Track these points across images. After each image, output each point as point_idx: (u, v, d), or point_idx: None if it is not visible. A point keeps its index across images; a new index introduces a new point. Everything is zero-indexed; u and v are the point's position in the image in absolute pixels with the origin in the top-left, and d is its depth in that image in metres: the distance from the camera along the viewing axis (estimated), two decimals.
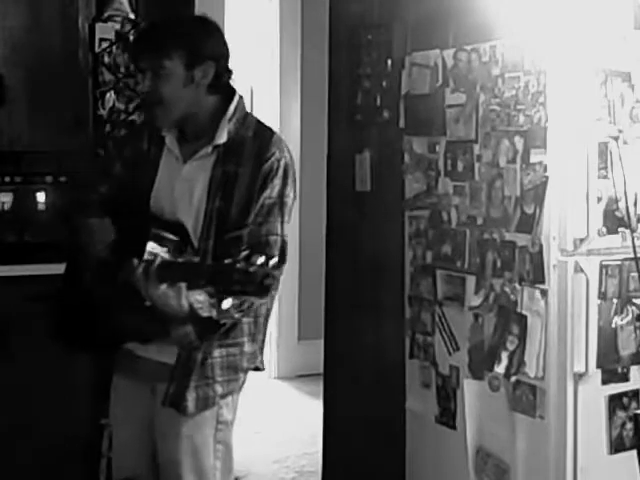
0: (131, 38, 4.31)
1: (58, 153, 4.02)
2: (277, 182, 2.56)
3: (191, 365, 2.59)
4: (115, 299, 2.54)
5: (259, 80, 6.25)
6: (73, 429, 3.87)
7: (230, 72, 2.64)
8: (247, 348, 2.65)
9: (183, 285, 2.41)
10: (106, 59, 4.32)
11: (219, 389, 2.62)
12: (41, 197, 4.05)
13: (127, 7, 4.38)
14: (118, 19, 4.34)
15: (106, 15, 4.32)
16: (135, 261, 2.41)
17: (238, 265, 2.26)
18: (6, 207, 4.05)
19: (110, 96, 4.33)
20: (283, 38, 6.16)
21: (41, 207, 4.06)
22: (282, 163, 2.58)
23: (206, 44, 2.58)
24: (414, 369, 3.45)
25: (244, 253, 2.32)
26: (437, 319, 3.31)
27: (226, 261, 2.30)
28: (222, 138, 2.59)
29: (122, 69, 4.35)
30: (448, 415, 3.29)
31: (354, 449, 3.84)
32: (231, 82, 2.65)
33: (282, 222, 2.56)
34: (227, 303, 2.38)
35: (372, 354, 3.74)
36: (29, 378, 3.74)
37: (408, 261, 3.46)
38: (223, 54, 2.61)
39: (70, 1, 4.12)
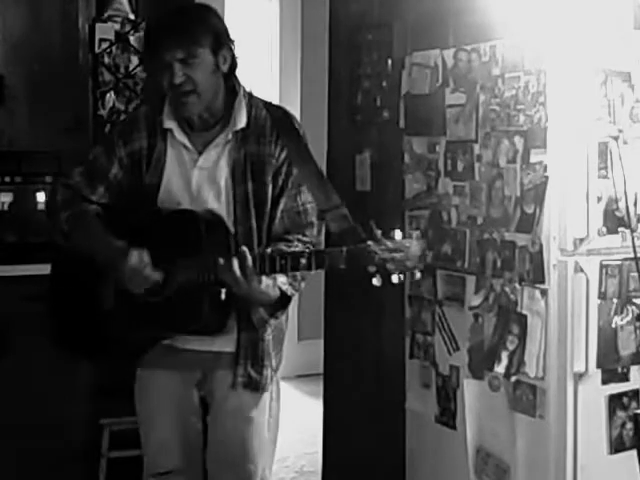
0: (133, 36, 4.32)
1: (58, 153, 4.03)
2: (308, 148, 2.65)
3: (259, 346, 2.65)
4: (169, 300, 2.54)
5: (259, 80, 6.24)
6: (73, 429, 3.88)
7: (237, 58, 2.67)
8: (281, 314, 2.70)
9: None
10: (106, 59, 4.33)
11: (274, 363, 2.73)
12: (41, 197, 4.06)
13: (127, 7, 4.38)
14: (118, 19, 4.35)
15: (106, 15, 4.33)
16: (222, 260, 2.41)
17: (387, 244, 2.27)
18: (6, 207, 4.06)
19: (110, 96, 4.34)
20: (283, 38, 6.16)
21: (41, 207, 4.06)
22: (303, 130, 2.67)
23: (224, 28, 2.61)
24: (414, 369, 3.45)
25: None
26: (437, 319, 3.31)
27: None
28: (242, 122, 2.61)
29: (122, 69, 4.36)
30: (448, 415, 3.29)
31: (354, 449, 3.84)
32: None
33: None
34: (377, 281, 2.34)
35: (372, 354, 3.73)
36: (29, 378, 3.74)
37: None
38: (233, 39, 2.64)
39: (70, 1, 4.13)
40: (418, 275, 2.32)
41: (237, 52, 2.66)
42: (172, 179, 2.63)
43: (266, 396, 2.72)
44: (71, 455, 3.86)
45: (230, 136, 2.61)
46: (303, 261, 2.38)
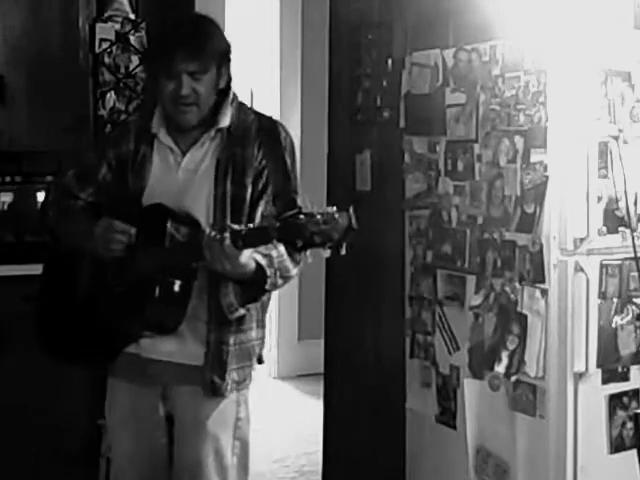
0: (134, 36, 4.32)
1: (58, 153, 4.02)
2: (290, 159, 2.63)
3: (223, 350, 2.59)
4: (134, 293, 2.53)
5: (259, 80, 6.25)
6: (72, 429, 3.87)
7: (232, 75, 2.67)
8: (255, 334, 2.67)
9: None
10: (106, 59, 4.33)
11: (235, 376, 2.63)
12: (41, 197, 4.05)
13: (127, 7, 4.39)
14: (118, 19, 4.35)
15: (106, 15, 4.33)
16: (212, 232, 2.39)
17: (317, 217, 2.24)
18: (6, 207, 4.06)
19: (110, 96, 4.33)
20: (283, 38, 6.16)
21: None
22: (289, 140, 2.65)
23: (228, 44, 2.61)
24: (414, 369, 3.45)
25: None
26: (437, 319, 3.32)
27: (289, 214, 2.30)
28: (225, 122, 2.62)
29: (122, 69, 4.36)
30: (448, 415, 3.29)
31: (354, 449, 3.84)
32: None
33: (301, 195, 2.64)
34: (309, 258, 2.35)
35: (372, 354, 3.74)
36: (28, 378, 3.74)
37: (408, 261, 3.47)
38: (231, 57, 2.64)
39: (70, 1, 4.13)
40: (343, 252, 2.29)
41: (232, 69, 2.65)
42: (157, 183, 2.64)
43: (230, 412, 2.63)
44: (70, 455, 3.86)
45: (213, 133, 2.62)
46: (241, 236, 2.37)
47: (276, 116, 6.13)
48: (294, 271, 2.58)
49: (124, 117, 4.30)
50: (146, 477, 2.71)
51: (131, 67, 4.36)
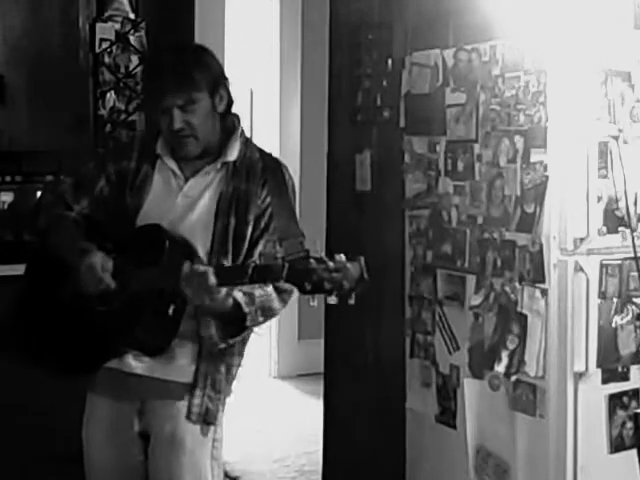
0: (133, 35, 4.33)
1: (59, 153, 4.03)
2: (293, 200, 2.63)
3: (218, 377, 2.60)
4: (120, 312, 2.50)
5: (259, 80, 6.25)
6: (71, 429, 3.86)
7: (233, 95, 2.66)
8: (236, 361, 2.67)
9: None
10: (106, 59, 4.33)
11: (222, 399, 2.64)
12: None
13: (127, 7, 4.39)
14: (118, 19, 4.36)
15: (106, 15, 4.34)
16: (200, 267, 2.38)
17: (329, 264, 2.23)
18: (6, 206, 4.06)
19: (110, 96, 4.34)
20: (283, 38, 6.16)
21: None
22: (292, 183, 2.66)
23: (219, 68, 2.60)
24: (414, 368, 3.45)
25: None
26: (437, 318, 3.32)
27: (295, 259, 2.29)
28: (233, 155, 2.61)
29: (122, 69, 4.37)
30: (448, 414, 3.29)
31: (354, 448, 3.84)
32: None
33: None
34: (315, 302, 2.30)
35: (372, 354, 3.74)
36: (27, 377, 3.73)
37: (408, 260, 3.47)
38: (228, 77, 2.63)
39: (70, 1, 4.13)
40: (352, 301, 2.26)
41: (232, 89, 2.64)
42: (154, 204, 2.62)
43: (207, 436, 2.62)
44: (69, 455, 3.85)
45: (219, 166, 2.61)
46: (249, 272, 2.35)
47: (276, 116, 6.15)
48: (280, 310, 2.60)
49: (124, 117, 4.31)
50: None
51: (131, 67, 4.37)
